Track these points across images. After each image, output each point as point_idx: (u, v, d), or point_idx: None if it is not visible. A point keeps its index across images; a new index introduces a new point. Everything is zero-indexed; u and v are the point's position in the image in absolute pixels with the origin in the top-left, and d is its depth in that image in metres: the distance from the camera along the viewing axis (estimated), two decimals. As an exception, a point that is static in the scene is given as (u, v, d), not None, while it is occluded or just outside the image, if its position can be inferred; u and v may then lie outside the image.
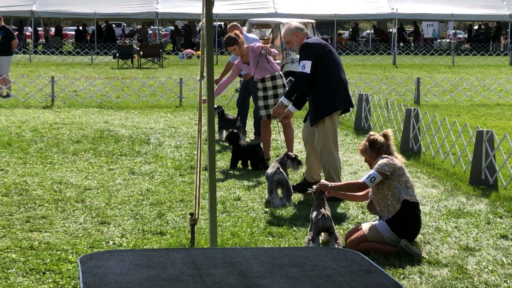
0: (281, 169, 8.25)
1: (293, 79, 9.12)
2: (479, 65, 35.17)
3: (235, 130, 10.75)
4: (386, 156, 6.63)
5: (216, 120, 12.27)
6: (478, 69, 32.61)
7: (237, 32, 11.00)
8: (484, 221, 7.63)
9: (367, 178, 6.56)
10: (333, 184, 6.85)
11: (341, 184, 7.03)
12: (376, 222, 6.63)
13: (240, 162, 10.30)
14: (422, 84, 19.62)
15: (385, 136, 6.76)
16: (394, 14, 41.33)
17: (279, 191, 8.29)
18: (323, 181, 6.96)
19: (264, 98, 10.57)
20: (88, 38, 47.94)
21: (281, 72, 10.77)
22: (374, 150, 6.73)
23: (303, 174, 8.99)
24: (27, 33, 45.97)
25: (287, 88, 10.62)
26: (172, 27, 55.90)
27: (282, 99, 8.60)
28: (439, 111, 15.85)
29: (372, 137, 6.78)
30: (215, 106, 12.35)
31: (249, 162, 10.25)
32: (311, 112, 8.54)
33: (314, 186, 6.83)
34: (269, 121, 10.77)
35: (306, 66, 8.30)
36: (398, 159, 6.66)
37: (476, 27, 54.72)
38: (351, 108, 9.46)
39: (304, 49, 8.43)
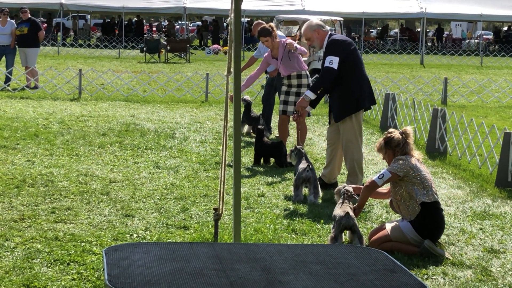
0: (311, 167, 8.26)
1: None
2: (507, 67, 34.85)
3: (260, 126, 10.74)
4: (401, 157, 6.59)
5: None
6: (506, 70, 32.32)
7: (272, 24, 10.98)
8: (509, 223, 7.57)
9: (377, 176, 6.59)
10: (357, 206, 6.74)
11: (362, 199, 6.82)
12: (400, 222, 6.59)
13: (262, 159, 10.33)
14: (450, 85, 19.48)
15: (404, 133, 6.70)
16: (423, 13, 41.04)
17: (306, 189, 8.32)
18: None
19: (286, 93, 10.58)
20: (117, 32, 48.16)
21: (307, 72, 10.76)
22: (390, 148, 6.70)
23: (319, 175, 8.93)
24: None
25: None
26: (199, 23, 55.95)
27: (307, 92, 8.56)
28: (466, 112, 15.74)
29: (388, 135, 6.73)
30: (243, 97, 12.39)
31: (272, 159, 10.25)
32: (336, 108, 8.53)
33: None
34: (285, 117, 10.76)
35: (334, 62, 8.29)
36: (415, 157, 6.62)
37: (505, 28, 54.23)
38: (372, 106, 9.50)
39: (332, 45, 8.43)
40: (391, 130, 6.85)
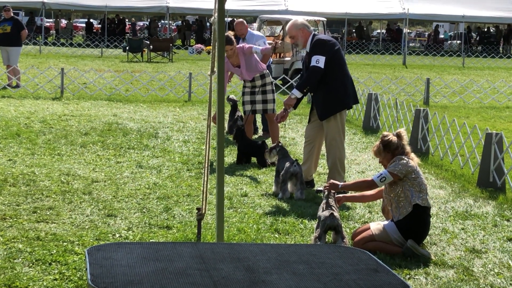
0: (298, 162, 8.33)
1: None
2: (489, 67, 35.08)
3: (240, 126, 10.82)
4: (402, 157, 6.55)
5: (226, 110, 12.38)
6: (488, 71, 32.52)
7: (232, 33, 11.01)
8: (491, 223, 7.61)
9: (378, 177, 6.55)
10: (343, 184, 6.86)
11: (351, 183, 7.07)
12: (385, 222, 6.60)
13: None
14: (432, 85, 19.58)
15: (399, 135, 6.64)
16: (405, 14, 41.22)
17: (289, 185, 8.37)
18: (333, 181, 6.92)
19: (252, 93, 10.73)
20: (99, 31, 47.98)
21: (267, 70, 10.90)
22: (389, 152, 6.61)
23: None
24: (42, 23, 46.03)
25: (273, 84, 10.89)
26: (179, 22, 55.74)
27: (294, 91, 8.59)
28: (448, 112, 15.82)
29: (386, 138, 6.63)
30: (229, 96, 12.49)
31: (255, 158, 10.26)
32: (321, 107, 8.57)
33: (323, 186, 6.84)
34: (251, 116, 11.02)
35: (320, 61, 8.34)
36: (414, 161, 6.60)
37: (485, 29, 54.57)
38: (354, 105, 9.61)
39: (317, 45, 8.47)
40: (385, 133, 6.74)
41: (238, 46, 10.66)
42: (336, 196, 6.80)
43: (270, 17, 26.75)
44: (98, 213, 7.41)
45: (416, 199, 6.44)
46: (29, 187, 8.31)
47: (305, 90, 8.57)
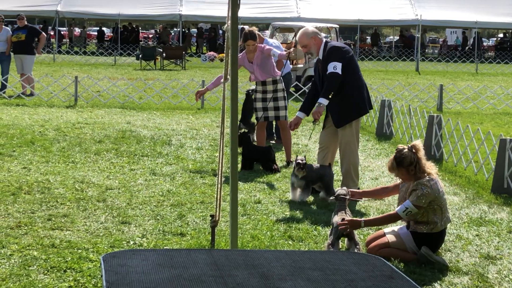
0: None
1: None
2: (503, 73, 34.94)
3: (245, 130, 10.83)
4: (425, 182, 6.33)
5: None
6: (501, 77, 32.39)
7: (256, 29, 11.05)
8: (505, 229, 7.58)
9: (403, 211, 6.33)
10: (365, 220, 6.58)
11: (374, 219, 6.73)
12: (400, 230, 6.54)
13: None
14: (445, 91, 19.52)
15: (414, 147, 6.42)
16: (418, 20, 41.15)
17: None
18: (354, 219, 6.55)
19: (263, 100, 10.70)
20: (111, 39, 48.18)
21: (280, 77, 10.84)
22: (402, 168, 6.41)
23: None
24: (51, 33, 46.30)
25: (285, 92, 10.79)
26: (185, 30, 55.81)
27: (320, 99, 8.54)
28: (462, 119, 15.77)
29: (400, 155, 6.40)
30: (250, 89, 12.40)
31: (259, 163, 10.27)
32: (337, 114, 8.57)
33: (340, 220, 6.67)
34: (263, 123, 10.93)
35: (338, 67, 8.37)
36: (432, 173, 6.43)
37: (501, 36, 54.43)
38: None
39: (333, 52, 8.49)
40: (400, 147, 6.51)
41: (258, 45, 10.68)
42: (350, 190, 6.80)
43: (283, 24, 26.77)
44: (113, 220, 7.43)
45: (439, 226, 6.37)
46: (44, 194, 8.35)
47: (330, 96, 8.53)
